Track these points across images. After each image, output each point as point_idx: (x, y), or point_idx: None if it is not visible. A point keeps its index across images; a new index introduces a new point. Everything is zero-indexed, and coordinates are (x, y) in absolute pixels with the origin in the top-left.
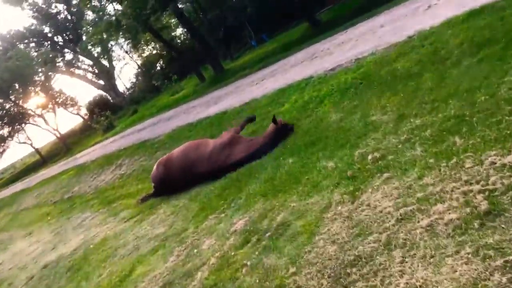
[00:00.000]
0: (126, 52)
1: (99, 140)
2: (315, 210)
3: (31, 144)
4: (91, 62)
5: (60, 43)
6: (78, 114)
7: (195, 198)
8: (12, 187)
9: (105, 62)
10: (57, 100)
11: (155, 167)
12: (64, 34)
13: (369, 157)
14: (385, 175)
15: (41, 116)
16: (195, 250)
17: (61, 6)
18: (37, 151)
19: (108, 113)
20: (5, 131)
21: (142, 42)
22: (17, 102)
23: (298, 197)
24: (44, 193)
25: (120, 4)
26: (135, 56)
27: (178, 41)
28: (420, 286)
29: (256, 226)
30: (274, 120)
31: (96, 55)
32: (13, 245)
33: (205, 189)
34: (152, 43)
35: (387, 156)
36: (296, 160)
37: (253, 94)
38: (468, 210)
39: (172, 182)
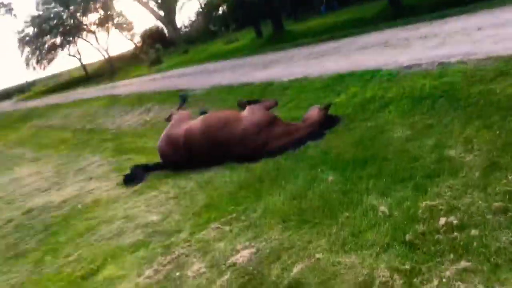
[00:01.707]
0: None
1: (141, 73)
2: (347, 281)
3: (79, 59)
4: None
5: None
6: (131, 40)
7: (205, 186)
8: (50, 97)
9: None
10: (115, 21)
11: (163, 137)
12: None
13: (442, 220)
14: (463, 263)
15: (94, 33)
16: (177, 273)
17: None
18: (84, 67)
19: (158, 46)
20: (58, 40)
21: None
22: (75, 14)
23: (329, 245)
24: (72, 115)
25: None
26: None
27: None
28: None
29: (261, 271)
30: (327, 108)
31: None
32: (18, 167)
33: (220, 177)
34: None
35: (470, 228)
36: (337, 179)
37: (308, 70)
38: None
39: (190, 161)
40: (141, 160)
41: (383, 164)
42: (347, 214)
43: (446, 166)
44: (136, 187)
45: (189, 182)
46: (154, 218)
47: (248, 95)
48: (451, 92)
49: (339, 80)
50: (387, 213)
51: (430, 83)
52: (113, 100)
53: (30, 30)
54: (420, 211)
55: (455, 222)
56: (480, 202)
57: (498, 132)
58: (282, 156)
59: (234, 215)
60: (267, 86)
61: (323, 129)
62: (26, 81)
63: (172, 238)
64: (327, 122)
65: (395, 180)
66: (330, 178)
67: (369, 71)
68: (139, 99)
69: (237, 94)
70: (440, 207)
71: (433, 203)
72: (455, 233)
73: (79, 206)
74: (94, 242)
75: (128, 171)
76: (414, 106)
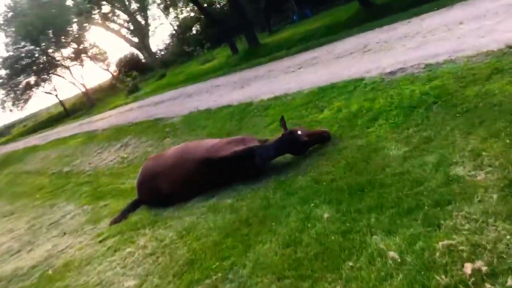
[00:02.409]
0: (163, 10)
1: (119, 103)
2: None
3: (56, 95)
4: (127, 18)
5: None
6: (107, 70)
7: (186, 236)
8: (29, 139)
9: (141, 20)
10: (89, 53)
11: (140, 171)
12: None
13: (467, 268)
14: None
15: (67, 68)
16: None
17: None
18: (62, 103)
19: (134, 73)
20: (32, 79)
21: (180, 4)
22: (46, 51)
23: None
24: (49, 157)
25: None
26: (171, 16)
27: (218, 6)
28: None
29: None
30: (282, 123)
31: (133, 10)
32: None
33: (202, 223)
34: (191, 4)
35: (504, 276)
36: (334, 215)
37: (287, 85)
38: None
39: (162, 179)
40: (118, 205)
41: (382, 192)
42: (350, 263)
43: (457, 189)
44: (111, 243)
45: (168, 232)
46: (131, 283)
47: (227, 118)
48: (445, 97)
49: (320, 94)
50: (399, 260)
51: (419, 89)
52: (90, 137)
53: (2, 72)
54: (437, 254)
55: (484, 268)
56: (508, 236)
57: (508, 141)
58: (269, 188)
59: (219, 274)
60: (246, 107)
61: (286, 150)
62: (4, 125)
63: None
64: (292, 140)
65: (400, 212)
66: (326, 215)
67: (351, 81)
68: (116, 133)
69: (216, 118)
70: (461, 247)
71: (451, 242)
72: (487, 285)
73: (50, 271)
74: None
75: (103, 222)
76: (406, 117)
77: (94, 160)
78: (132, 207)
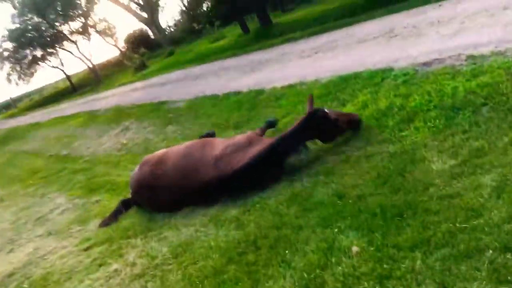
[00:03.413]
0: None
1: (125, 82)
2: None
3: (63, 70)
4: None
5: None
6: (115, 45)
7: (181, 255)
8: (33, 114)
9: None
10: (97, 27)
11: (137, 167)
12: None
13: None
14: None
15: (74, 42)
16: None
17: None
18: (68, 78)
19: (142, 50)
20: (38, 53)
21: None
22: (53, 24)
23: None
24: (49, 136)
25: None
26: None
27: None
28: None
29: None
30: (310, 101)
31: None
32: None
33: (202, 238)
34: None
35: None
36: (365, 249)
37: (302, 71)
38: None
39: (161, 193)
40: (111, 203)
41: (428, 222)
42: None
43: None
44: (96, 253)
45: (162, 246)
46: None
47: (235, 106)
48: (498, 99)
49: (342, 84)
50: None
51: (463, 86)
52: (92, 117)
53: (8, 45)
54: None
55: None
56: None
57: None
58: (282, 199)
59: None
60: (256, 95)
61: (313, 132)
62: (10, 98)
63: None
64: (316, 119)
65: (455, 255)
66: (355, 248)
67: (378, 71)
68: (118, 115)
69: (223, 107)
70: None
71: None
72: None
73: (25, 284)
74: None
75: (92, 222)
76: (449, 120)
77: (92, 144)
78: (125, 207)
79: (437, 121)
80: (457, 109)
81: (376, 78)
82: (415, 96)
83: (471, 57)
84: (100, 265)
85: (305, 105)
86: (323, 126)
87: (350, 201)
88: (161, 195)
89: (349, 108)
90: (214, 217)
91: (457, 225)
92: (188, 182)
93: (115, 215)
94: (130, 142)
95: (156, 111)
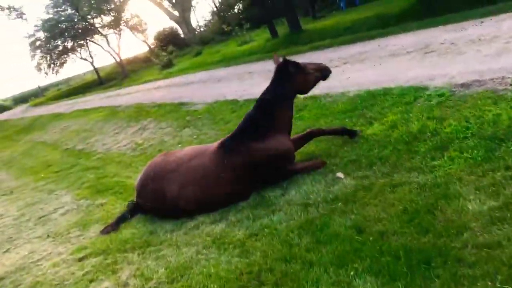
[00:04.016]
0: None
1: (149, 79)
2: None
3: (91, 63)
4: None
5: None
6: (145, 42)
7: (178, 280)
8: (58, 104)
9: None
10: (129, 23)
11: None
12: None
13: None
14: None
15: (105, 36)
16: None
17: None
18: (96, 70)
19: (170, 48)
20: (69, 44)
21: None
22: (86, 16)
23: None
24: (69, 128)
25: None
26: None
27: None
28: None
29: None
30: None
31: None
32: None
33: (203, 263)
34: None
35: None
36: None
37: (327, 82)
38: None
39: (169, 183)
40: (115, 208)
41: (461, 275)
42: None
43: None
44: (90, 266)
45: (159, 267)
46: None
47: None
48: None
49: (369, 100)
50: None
51: (508, 114)
52: (112, 113)
53: (41, 34)
54: None
55: None
56: None
57: None
58: (293, 225)
59: None
60: None
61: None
62: (38, 86)
63: None
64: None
65: None
66: None
67: (410, 88)
68: (137, 113)
69: (242, 113)
70: None
71: None
72: None
73: None
74: None
75: (93, 228)
76: (489, 152)
77: (109, 141)
78: (130, 212)
79: (475, 152)
80: (499, 140)
81: (408, 96)
82: (450, 121)
83: None
84: (90, 281)
85: (328, 119)
86: (296, 76)
87: (370, 238)
88: (169, 185)
89: (376, 127)
90: (218, 238)
91: (498, 284)
92: (197, 163)
93: (118, 223)
94: (145, 142)
95: (175, 112)
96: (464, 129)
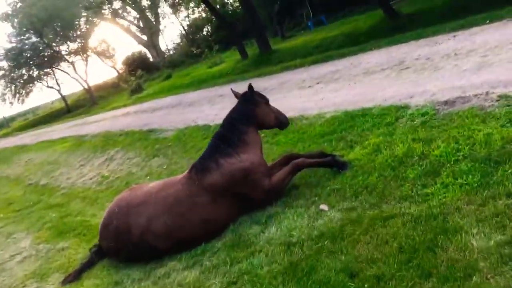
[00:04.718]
0: (171, 7)
1: (119, 105)
2: None
3: (58, 90)
4: (137, 15)
5: None
6: (113, 67)
7: None
8: (24, 135)
9: (151, 18)
10: (96, 48)
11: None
12: None
13: None
14: None
15: (71, 63)
16: None
17: None
18: (64, 98)
19: (139, 73)
20: (34, 73)
21: (191, 4)
22: (51, 44)
23: None
24: (33, 161)
25: None
26: (182, 15)
27: (230, 8)
28: None
29: None
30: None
31: (144, 6)
32: None
33: None
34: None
35: None
36: None
37: (302, 104)
38: None
39: (136, 217)
40: (78, 253)
41: None
42: None
43: None
44: None
45: None
46: None
47: None
48: None
49: (348, 121)
50: None
51: (499, 133)
52: (78, 143)
53: (4, 64)
54: None
55: None
56: None
57: None
58: (277, 269)
59: None
60: None
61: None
62: (4, 117)
63: None
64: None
65: None
66: None
67: (391, 107)
68: (105, 142)
69: None
70: None
71: None
72: None
73: None
74: None
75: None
76: (485, 177)
77: (73, 175)
78: (97, 256)
79: (470, 177)
80: (494, 162)
81: (389, 116)
82: (438, 143)
83: (503, 96)
84: None
85: (306, 144)
86: (260, 103)
87: (366, 285)
88: (136, 219)
89: (357, 152)
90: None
91: None
92: (168, 192)
93: (80, 271)
94: (112, 174)
95: (144, 140)
96: (454, 151)
